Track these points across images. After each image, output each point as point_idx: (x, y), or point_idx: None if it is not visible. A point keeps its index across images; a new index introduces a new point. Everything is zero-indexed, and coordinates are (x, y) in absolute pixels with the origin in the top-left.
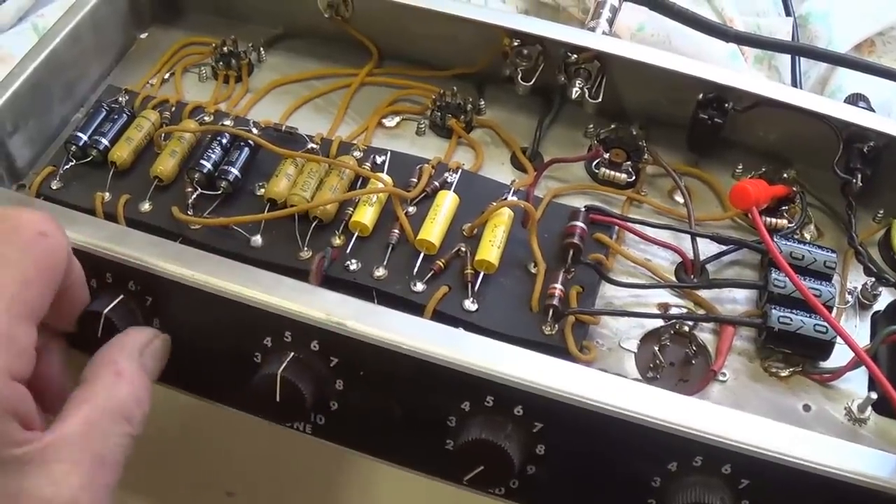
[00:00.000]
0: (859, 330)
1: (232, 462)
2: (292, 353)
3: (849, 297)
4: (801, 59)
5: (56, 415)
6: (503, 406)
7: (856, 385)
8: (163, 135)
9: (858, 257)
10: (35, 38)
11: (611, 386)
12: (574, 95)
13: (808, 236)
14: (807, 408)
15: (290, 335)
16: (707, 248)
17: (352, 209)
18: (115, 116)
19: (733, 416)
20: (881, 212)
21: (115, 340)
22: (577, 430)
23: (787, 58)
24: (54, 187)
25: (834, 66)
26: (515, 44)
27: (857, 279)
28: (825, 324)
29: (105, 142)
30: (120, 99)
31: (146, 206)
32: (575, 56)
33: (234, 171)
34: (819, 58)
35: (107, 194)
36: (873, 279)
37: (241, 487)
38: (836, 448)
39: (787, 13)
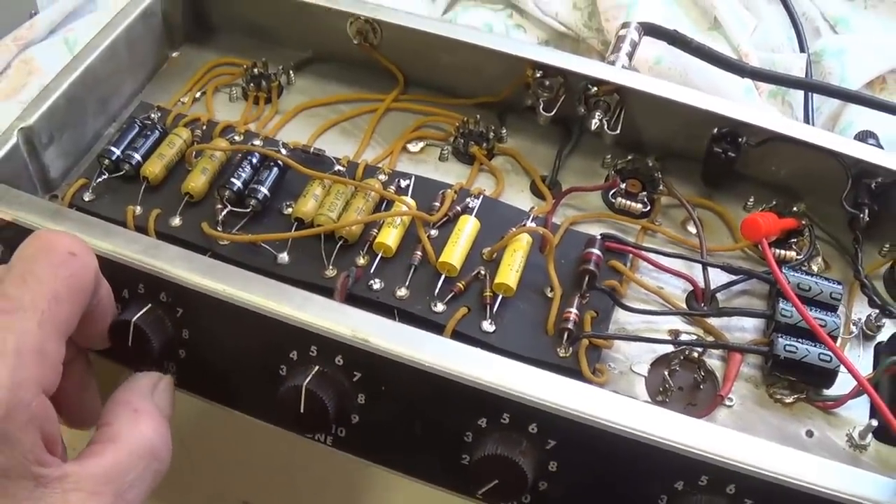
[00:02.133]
0: (862, 359)
1: (248, 470)
2: (317, 367)
3: (853, 328)
4: (814, 95)
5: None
6: (518, 423)
7: (857, 413)
8: (194, 152)
9: (864, 290)
10: (66, 51)
11: (621, 406)
12: (593, 127)
13: (815, 268)
14: (809, 433)
15: (316, 349)
16: (718, 277)
17: (376, 230)
18: (148, 132)
19: (737, 437)
20: (887, 246)
21: (125, 385)
22: (588, 448)
23: (800, 94)
24: (86, 199)
25: (845, 102)
26: (538, 75)
27: (861, 310)
28: (829, 353)
29: (137, 157)
30: (152, 115)
31: (177, 221)
32: (595, 88)
33: (264, 189)
34: (831, 94)
35: (138, 208)
36: (877, 311)
37: (258, 497)
38: (838, 471)
39: (802, 49)
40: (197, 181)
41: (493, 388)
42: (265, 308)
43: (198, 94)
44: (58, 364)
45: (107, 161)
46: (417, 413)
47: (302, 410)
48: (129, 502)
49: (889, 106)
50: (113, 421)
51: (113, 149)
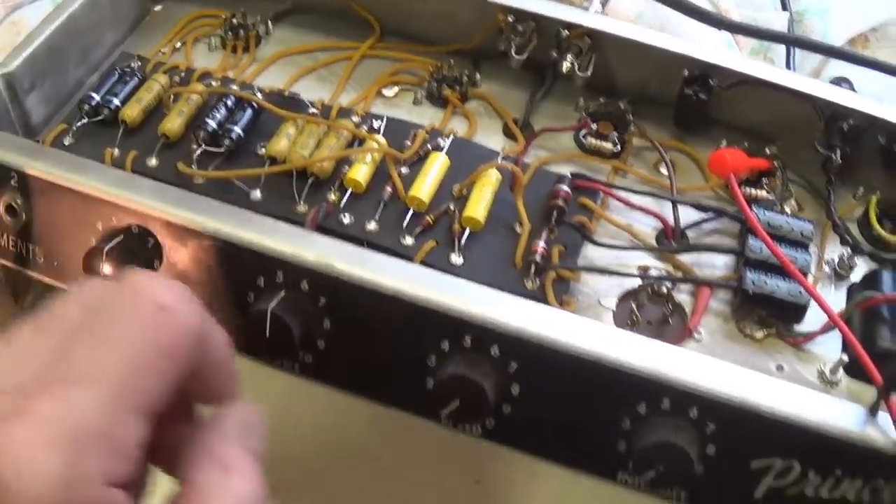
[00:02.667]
0: (835, 299)
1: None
2: (283, 293)
3: (826, 268)
4: (796, 51)
5: None
6: (480, 346)
7: (828, 349)
8: (172, 96)
9: (836, 230)
10: None
11: (583, 329)
12: (565, 69)
13: (788, 210)
14: (780, 368)
15: (282, 275)
16: (688, 216)
17: (347, 167)
18: (128, 79)
19: (700, 360)
20: (861, 190)
21: (211, 425)
22: (550, 370)
23: (782, 51)
24: (66, 143)
25: (827, 57)
26: (510, 20)
27: (834, 251)
28: (799, 288)
29: (117, 101)
30: (132, 64)
31: (153, 162)
32: (567, 32)
33: (238, 129)
34: (811, 48)
35: (116, 150)
36: (849, 250)
37: None
38: (802, 396)
39: (784, 7)
40: (173, 123)
41: (455, 310)
42: (232, 236)
43: (178, 45)
44: (131, 450)
45: (86, 106)
46: (382, 338)
47: (268, 335)
48: None
49: (870, 61)
50: (197, 479)
51: (93, 94)
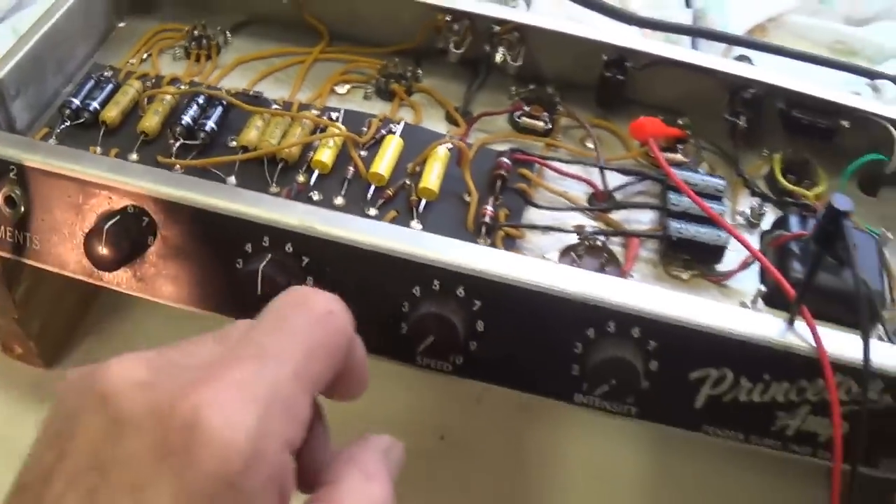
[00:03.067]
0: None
1: None
2: (270, 255)
3: (739, 218)
4: (700, 42)
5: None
6: (447, 288)
7: (747, 284)
8: (146, 98)
9: (746, 184)
10: (13, 38)
11: (532, 267)
12: (498, 60)
13: (704, 172)
14: None
15: (268, 240)
16: (614, 181)
17: (312, 152)
18: (104, 85)
19: (637, 286)
20: (766, 151)
21: (357, 443)
22: (509, 306)
23: (688, 44)
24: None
25: (729, 46)
26: (447, 19)
27: (745, 204)
28: (717, 231)
29: (95, 104)
30: (106, 73)
31: (134, 157)
32: (498, 28)
33: (211, 123)
34: (714, 38)
35: (98, 149)
36: (759, 200)
37: None
38: (729, 312)
39: (688, 5)
40: (151, 121)
41: (424, 258)
42: (221, 207)
43: (145, 56)
44: (305, 422)
45: (68, 110)
46: (360, 289)
47: (259, 292)
48: None
49: (767, 46)
50: (341, 481)
51: (73, 99)
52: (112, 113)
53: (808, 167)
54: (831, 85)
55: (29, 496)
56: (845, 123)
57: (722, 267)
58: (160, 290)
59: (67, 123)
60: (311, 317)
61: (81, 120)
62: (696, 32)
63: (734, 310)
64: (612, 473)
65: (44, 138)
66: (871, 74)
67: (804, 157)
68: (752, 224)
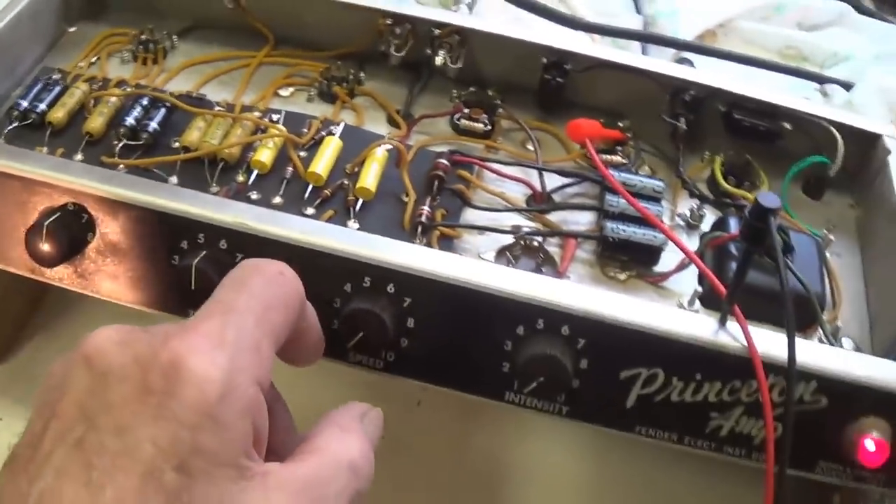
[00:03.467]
0: (688, 245)
1: None
2: (204, 252)
3: (678, 220)
4: (650, 47)
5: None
6: (378, 285)
7: (684, 286)
8: (92, 100)
9: (685, 185)
10: None
11: (462, 265)
12: (438, 62)
13: (643, 174)
14: None
15: (203, 237)
16: (553, 182)
17: (252, 153)
18: (51, 88)
19: (566, 285)
20: (706, 154)
21: (335, 410)
22: (439, 303)
23: (637, 50)
24: None
25: (678, 52)
26: (389, 23)
27: (685, 206)
28: (654, 232)
29: (43, 106)
30: (54, 76)
31: (79, 157)
32: (438, 31)
33: (154, 124)
34: (663, 43)
35: (45, 149)
36: (698, 201)
37: None
38: (659, 311)
39: (638, 11)
40: (96, 122)
41: (354, 255)
42: (159, 205)
43: (94, 59)
44: (269, 366)
45: (15, 112)
46: None
47: (192, 286)
48: None
49: (717, 51)
50: (318, 435)
51: (21, 101)
52: (59, 114)
53: (750, 169)
54: (782, 90)
55: (20, 463)
56: (787, 126)
57: (659, 268)
58: (100, 286)
59: (15, 125)
60: (265, 277)
61: (29, 121)
62: (643, 37)
63: (664, 308)
64: (554, 476)
65: None
66: (820, 79)
67: (746, 159)
68: (691, 226)
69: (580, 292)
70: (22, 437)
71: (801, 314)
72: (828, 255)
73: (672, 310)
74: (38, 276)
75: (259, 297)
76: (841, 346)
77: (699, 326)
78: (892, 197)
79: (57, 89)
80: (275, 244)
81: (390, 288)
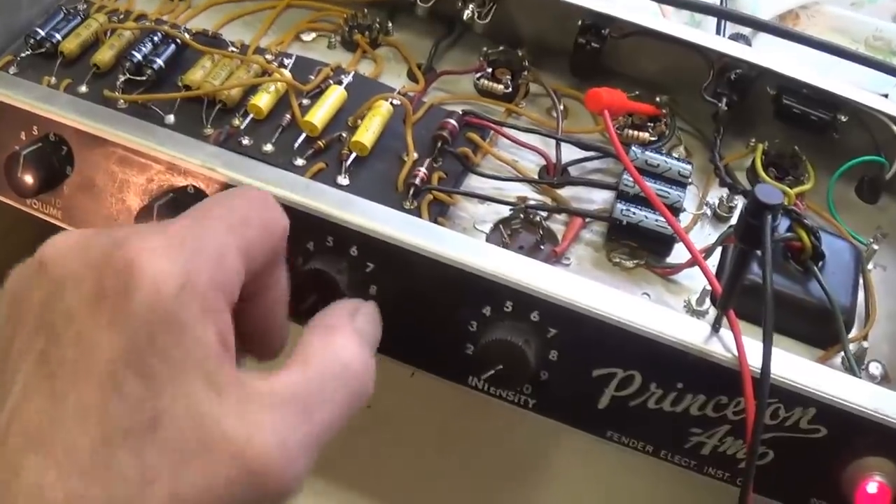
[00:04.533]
0: (712, 238)
1: None
2: (172, 194)
3: (706, 209)
4: (726, 24)
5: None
6: (341, 247)
7: (697, 282)
8: (107, 31)
9: (716, 171)
10: None
11: (429, 231)
12: (466, 16)
13: (675, 156)
14: (646, 296)
15: (171, 177)
16: (572, 155)
17: (252, 96)
18: (71, 18)
19: (541, 267)
20: (752, 141)
21: (323, 310)
22: (401, 271)
23: (713, 26)
24: (11, 72)
25: (756, 31)
26: None
27: (717, 194)
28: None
29: (58, 36)
30: (78, 6)
31: (83, 89)
32: None
33: (160, 61)
34: (739, 21)
35: (53, 79)
36: (728, 192)
37: None
38: (642, 307)
39: None
40: (104, 55)
41: (314, 211)
42: (130, 141)
43: None
44: (236, 279)
45: (31, 40)
46: None
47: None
48: (318, 423)
49: (797, 35)
50: (303, 341)
51: (38, 30)
52: (71, 45)
53: (797, 162)
54: (859, 84)
55: None
56: (843, 118)
57: (672, 259)
58: (76, 219)
59: (29, 52)
60: (251, 196)
61: (42, 50)
62: (718, 12)
63: (648, 305)
64: (539, 465)
65: (6, 66)
66: None
67: (793, 149)
68: (720, 217)
69: (556, 277)
70: None
71: (822, 330)
72: (870, 266)
73: (657, 308)
74: (20, 204)
75: (237, 210)
76: (865, 369)
77: (687, 330)
78: None
79: (76, 20)
80: None
81: (353, 251)
